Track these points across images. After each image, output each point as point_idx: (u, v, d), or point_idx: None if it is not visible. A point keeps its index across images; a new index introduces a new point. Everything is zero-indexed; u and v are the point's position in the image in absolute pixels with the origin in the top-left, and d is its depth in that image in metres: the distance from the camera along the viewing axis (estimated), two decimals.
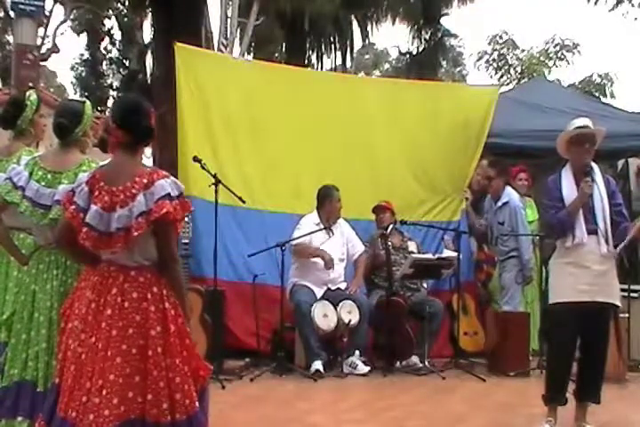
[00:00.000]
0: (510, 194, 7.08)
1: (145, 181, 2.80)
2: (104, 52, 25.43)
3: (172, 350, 2.78)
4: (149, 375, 2.74)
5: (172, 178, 2.87)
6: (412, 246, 7.03)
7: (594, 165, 4.63)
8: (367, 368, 6.26)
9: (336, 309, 6.31)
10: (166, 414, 2.73)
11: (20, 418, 3.33)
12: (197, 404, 2.82)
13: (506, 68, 18.99)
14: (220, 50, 15.15)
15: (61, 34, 26.09)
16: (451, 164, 7.64)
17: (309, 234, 6.46)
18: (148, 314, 2.78)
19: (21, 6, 11.48)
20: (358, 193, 7.22)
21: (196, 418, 2.80)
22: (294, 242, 6.35)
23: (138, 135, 2.93)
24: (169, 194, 2.80)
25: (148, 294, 2.80)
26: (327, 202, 6.68)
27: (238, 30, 16.52)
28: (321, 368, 6.08)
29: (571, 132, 4.62)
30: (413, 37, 22.61)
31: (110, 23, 24.14)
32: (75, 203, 2.87)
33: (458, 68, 28.05)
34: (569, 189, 4.56)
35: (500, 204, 7.05)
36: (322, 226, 6.60)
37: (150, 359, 2.74)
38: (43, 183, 3.44)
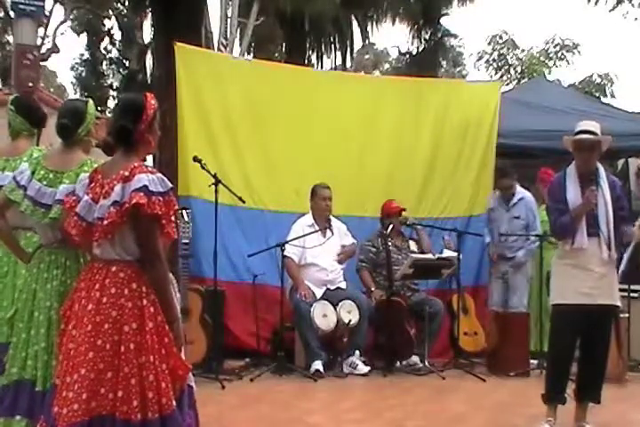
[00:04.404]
0: (524, 191, 7.09)
1: (126, 174, 2.80)
2: (104, 52, 25.51)
3: (148, 348, 2.74)
4: (120, 372, 2.71)
5: (159, 175, 2.83)
6: (413, 246, 7.03)
7: (599, 166, 4.59)
8: (367, 368, 6.25)
9: (335, 309, 6.31)
10: (136, 412, 2.68)
11: (18, 417, 3.34)
12: (174, 403, 2.75)
13: (506, 68, 19.03)
14: (219, 50, 15.16)
15: (61, 34, 26.27)
16: (456, 161, 7.60)
17: (301, 237, 6.41)
18: (124, 310, 2.76)
19: (21, 6, 11.47)
20: (361, 191, 7.22)
21: (171, 418, 2.73)
22: (285, 253, 6.28)
23: (112, 135, 2.92)
24: (146, 187, 2.76)
25: (125, 289, 2.78)
26: (314, 200, 6.68)
27: (238, 30, 16.53)
28: (321, 368, 6.08)
29: (572, 137, 4.57)
30: (413, 37, 22.58)
31: (110, 23, 24.27)
32: (76, 194, 2.98)
33: (458, 68, 28.04)
34: (573, 193, 4.51)
35: (515, 200, 7.01)
36: (316, 227, 6.58)
37: (122, 356, 2.72)
38: (44, 182, 3.44)
